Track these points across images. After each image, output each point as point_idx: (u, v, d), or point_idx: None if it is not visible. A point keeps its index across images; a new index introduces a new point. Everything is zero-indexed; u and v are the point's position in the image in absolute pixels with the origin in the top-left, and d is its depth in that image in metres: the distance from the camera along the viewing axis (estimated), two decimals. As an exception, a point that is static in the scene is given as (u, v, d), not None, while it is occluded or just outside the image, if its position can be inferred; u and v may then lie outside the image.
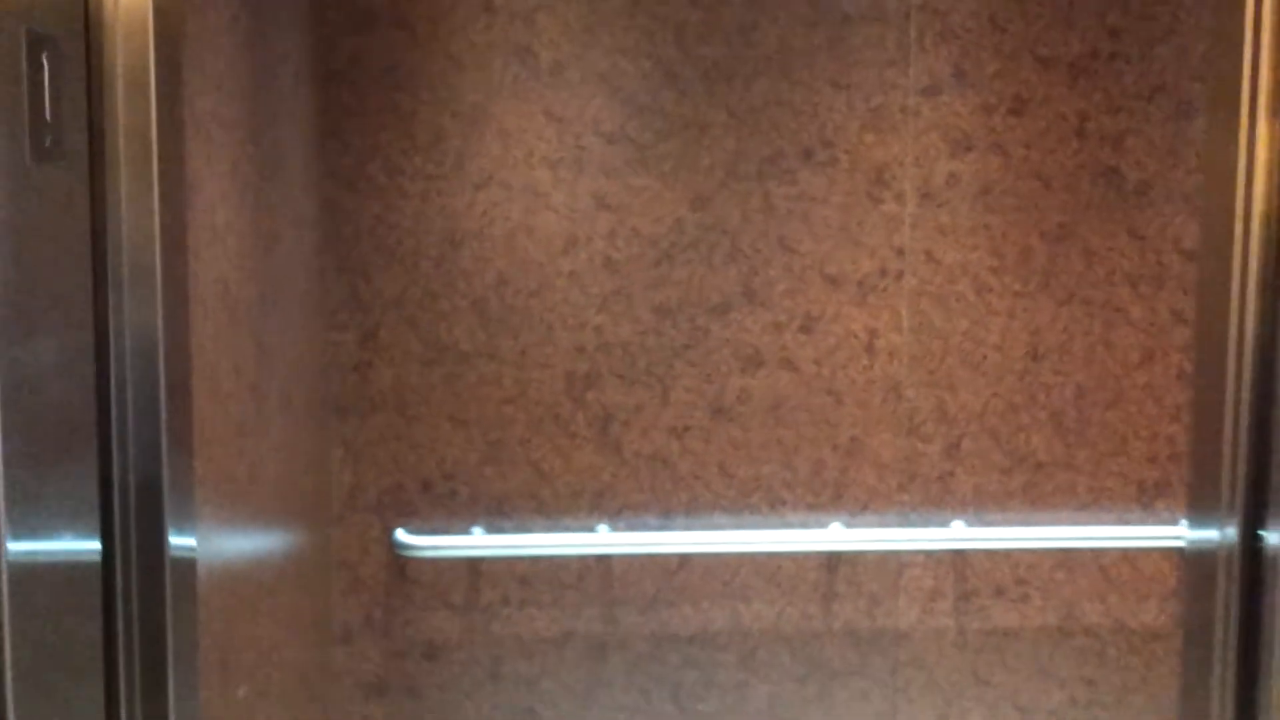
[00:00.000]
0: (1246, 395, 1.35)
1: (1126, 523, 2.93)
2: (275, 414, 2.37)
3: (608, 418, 2.86)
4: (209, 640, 1.86)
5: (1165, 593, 2.94)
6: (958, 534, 2.90)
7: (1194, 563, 1.48)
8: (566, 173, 2.81)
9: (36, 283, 1.35)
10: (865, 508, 2.91)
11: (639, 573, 2.91)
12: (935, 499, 2.91)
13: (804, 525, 2.91)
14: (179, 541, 1.62)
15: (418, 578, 2.89)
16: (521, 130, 2.80)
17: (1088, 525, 2.92)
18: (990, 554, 2.94)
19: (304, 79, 2.62)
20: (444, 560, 2.89)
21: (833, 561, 2.93)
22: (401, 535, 2.85)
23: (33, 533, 1.32)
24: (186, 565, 1.66)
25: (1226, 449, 1.37)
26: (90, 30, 1.49)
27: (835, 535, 2.89)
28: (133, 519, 1.56)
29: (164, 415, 1.58)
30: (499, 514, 2.87)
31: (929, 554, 2.94)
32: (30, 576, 1.31)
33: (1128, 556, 2.95)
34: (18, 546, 1.27)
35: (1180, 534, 2.88)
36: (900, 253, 2.85)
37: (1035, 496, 2.91)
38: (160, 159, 1.56)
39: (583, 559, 2.91)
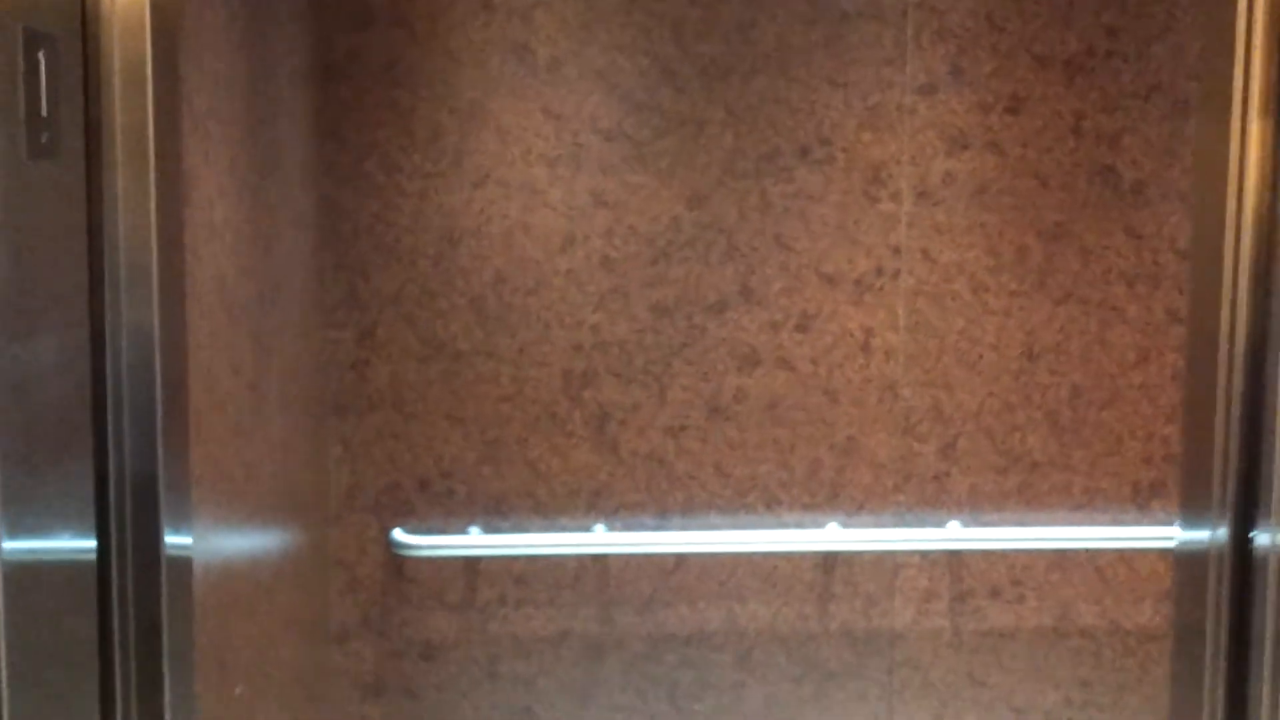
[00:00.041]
0: (1237, 395, 1.35)
1: (1122, 523, 2.93)
2: (273, 412, 2.37)
3: (604, 417, 2.87)
4: (205, 639, 1.87)
5: (1161, 593, 2.94)
6: (953, 534, 2.90)
7: (1185, 563, 1.48)
8: (564, 170, 2.81)
9: (32, 280, 1.35)
10: (861, 508, 2.91)
11: (635, 572, 2.92)
12: (931, 499, 2.91)
13: (800, 525, 2.91)
14: (175, 540, 1.62)
15: (415, 577, 2.90)
16: (519, 127, 2.80)
17: (1083, 526, 2.92)
18: (986, 554, 2.94)
19: (301, 76, 2.62)
20: (441, 560, 2.89)
21: (829, 562, 2.93)
22: (399, 535, 2.85)
23: (28, 531, 1.32)
24: (182, 564, 1.66)
25: (1218, 449, 1.37)
26: (87, 27, 1.49)
27: (831, 535, 2.89)
28: (128, 517, 1.56)
29: (160, 413, 1.58)
30: (496, 513, 2.87)
31: (925, 554, 2.94)
32: (26, 575, 1.31)
33: (1123, 557, 2.95)
34: (13, 545, 1.27)
35: (1175, 534, 2.88)
36: (897, 251, 2.85)
37: (1031, 496, 2.92)
38: (157, 156, 1.56)
39: (579, 559, 2.91)
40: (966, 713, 2.98)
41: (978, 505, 2.91)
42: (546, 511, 2.88)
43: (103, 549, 1.53)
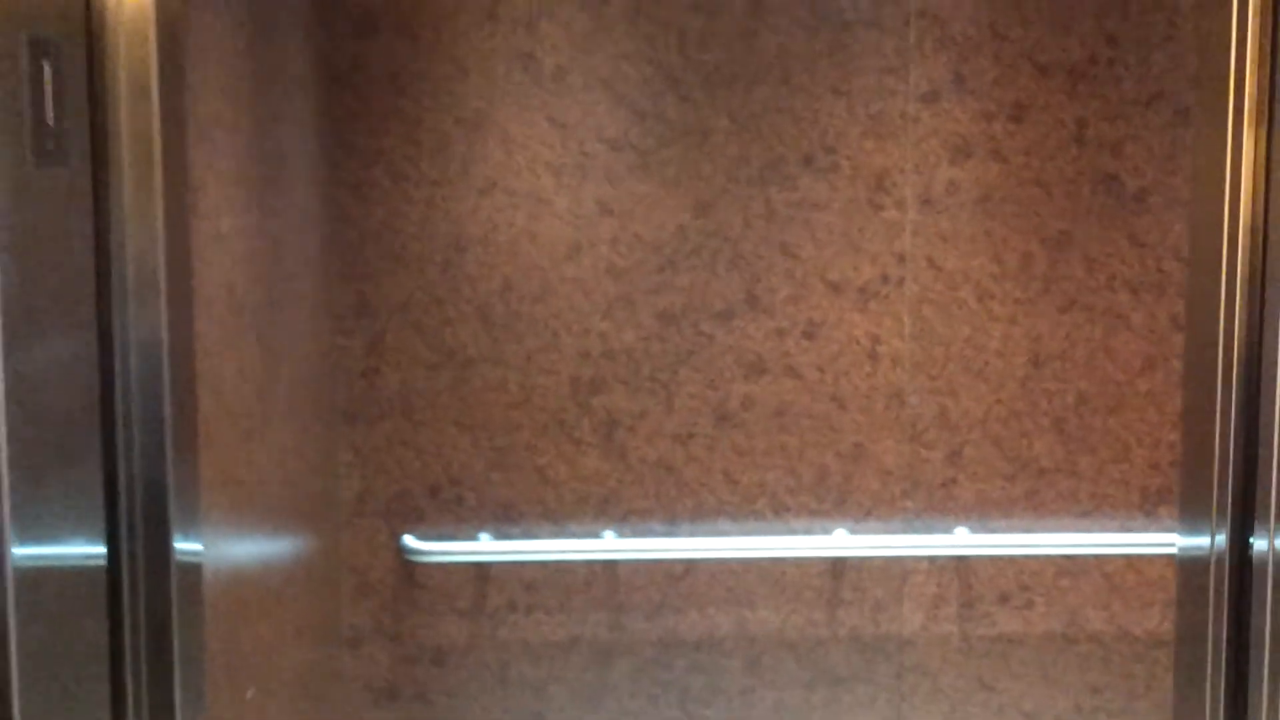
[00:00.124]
0: (1236, 402, 1.35)
1: (1129, 529, 2.93)
2: (282, 419, 2.38)
3: (613, 424, 2.87)
4: (216, 644, 1.87)
5: (1169, 599, 2.94)
6: (961, 540, 2.90)
7: (1186, 569, 1.49)
8: (570, 179, 2.82)
9: (40, 286, 1.35)
10: (869, 514, 2.91)
11: (644, 578, 2.92)
12: (938, 505, 2.91)
13: (808, 531, 2.91)
14: (184, 545, 1.63)
15: (426, 583, 2.91)
16: (525, 136, 2.81)
17: (1090, 532, 2.92)
18: (994, 560, 2.94)
19: (307, 84, 2.63)
20: (452, 565, 2.90)
21: (837, 568, 2.94)
22: (410, 540, 2.86)
23: (39, 537, 1.32)
24: (192, 569, 1.67)
25: (1217, 456, 1.37)
26: (92, 34, 1.49)
27: (839, 541, 2.90)
28: (138, 523, 1.56)
29: (169, 419, 1.58)
30: (506, 520, 2.88)
31: (933, 560, 2.94)
32: (36, 581, 1.31)
33: (1131, 563, 2.95)
34: (24, 551, 1.28)
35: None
36: (901, 259, 2.86)
37: (1038, 503, 2.92)
38: (163, 163, 1.56)
39: (589, 565, 2.92)
40: (976, 718, 2.98)
41: (985, 511, 2.92)
42: (556, 518, 2.89)
43: (113, 555, 1.53)
